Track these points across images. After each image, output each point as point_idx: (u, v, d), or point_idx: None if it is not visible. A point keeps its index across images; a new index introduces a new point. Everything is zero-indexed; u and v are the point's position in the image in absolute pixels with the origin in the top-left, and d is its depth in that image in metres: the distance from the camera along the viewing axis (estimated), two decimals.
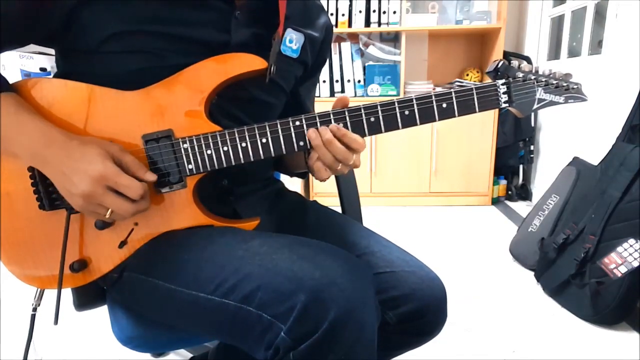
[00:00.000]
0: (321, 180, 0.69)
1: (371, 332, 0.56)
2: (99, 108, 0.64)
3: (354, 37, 2.83)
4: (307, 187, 1.40)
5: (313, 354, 0.53)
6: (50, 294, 0.70)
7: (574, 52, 2.56)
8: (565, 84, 0.68)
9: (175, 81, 0.65)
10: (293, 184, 1.03)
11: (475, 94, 0.66)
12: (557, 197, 1.91)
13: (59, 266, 0.65)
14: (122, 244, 0.67)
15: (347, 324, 0.53)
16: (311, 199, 0.96)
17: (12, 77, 0.64)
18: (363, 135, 0.66)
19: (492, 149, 2.72)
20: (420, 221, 2.60)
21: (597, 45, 2.29)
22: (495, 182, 2.84)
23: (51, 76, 0.69)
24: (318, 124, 0.65)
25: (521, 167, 2.89)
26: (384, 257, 0.73)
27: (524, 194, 2.90)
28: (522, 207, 2.76)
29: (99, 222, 0.65)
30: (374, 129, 0.66)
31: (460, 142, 2.72)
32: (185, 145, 0.65)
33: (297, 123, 0.65)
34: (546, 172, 2.65)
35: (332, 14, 2.68)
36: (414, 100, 0.66)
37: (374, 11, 2.67)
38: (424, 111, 0.66)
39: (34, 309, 0.71)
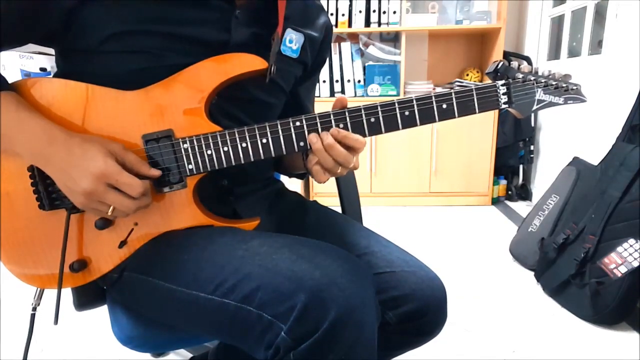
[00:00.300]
0: (320, 183, 0.69)
1: (371, 332, 0.56)
2: (99, 108, 0.64)
3: (354, 37, 2.83)
4: (307, 187, 1.40)
5: (313, 353, 0.53)
6: (50, 294, 0.70)
7: (574, 52, 2.56)
8: (564, 85, 0.68)
9: (175, 81, 0.65)
10: (293, 184, 1.03)
11: (475, 94, 0.66)
12: (557, 197, 1.91)
13: (58, 266, 0.65)
14: (122, 243, 0.67)
15: (347, 324, 0.53)
16: (311, 199, 0.96)
17: (12, 77, 0.64)
18: (363, 135, 0.66)
19: (492, 149, 2.72)
20: (420, 221, 2.60)
21: (597, 45, 2.29)
22: (495, 182, 2.84)
23: (51, 76, 0.69)
24: (318, 125, 0.65)
25: (521, 167, 2.89)
26: (384, 257, 0.73)
27: (524, 194, 2.90)
28: (522, 207, 2.76)
29: (99, 222, 0.65)
30: (374, 130, 0.66)
31: (460, 142, 2.72)
32: (185, 145, 0.65)
33: (298, 124, 0.65)
34: (546, 172, 2.65)
35: (332, 14, 2.68)
36: (414, 101, 0.66)
37: (374, 11, 2.67)
38: (424, 112, 0.66)
39: (34, 309, 0.71)
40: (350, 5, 2.70)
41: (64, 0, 0.62)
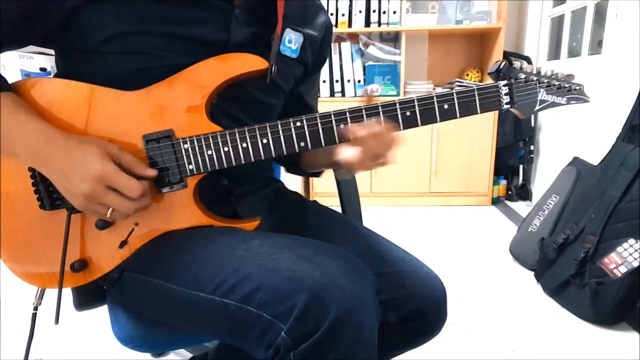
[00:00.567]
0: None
1: (371, 332, 0.56)
2: (100, 108, 0.64)
3: (354, 37, 2.82)
4: (307, 187, 1.40)
5: (313, 353, 0.53)
6: (50, 294, 0.70)
7: (574, 52, 2.56)
8: (567, 85, 0.68)
9: (175, 81, 0.65)
10: (293, 184, 1.03)
11: (477, 95, 0.66)
12: (557, 197, 1.91)
13: (59, 265, 0.65)
14: (123, 243, 0.67)
15: (348, 324, 0.53)
16: (311, 199, 0.96)
17: (12, 77, 0.64)
18: None
19: (492, 149, 2.72)
20: (420, 221, 2.59)
21: (597, 45, 2.29)
22: (495, 182, 2.84)
23: (51, 76, 0.69)
24: (319, 125, 0.65)
25: (521, 167, 2.89)
26: (384, 257, 0.73)
27: (524, 194, 2.90)
28: (522, 207, 2.76)
29: (99, 222, 0.65)
30: None
31: (460, 142, 2.72)
32: (185, 146, 0.65)
33: (298, 124, 0.65)
34: (546, 172, 2.65)
35: (332, 14, 2.68)
36: (416, 102, 0.66)
37: (374, 11, 2.67)
38: (425, 112, 0.66)
39: (35, 309, 0.71)
40: (350, 5, 2.70)
41: (64, 0, 0.62)
